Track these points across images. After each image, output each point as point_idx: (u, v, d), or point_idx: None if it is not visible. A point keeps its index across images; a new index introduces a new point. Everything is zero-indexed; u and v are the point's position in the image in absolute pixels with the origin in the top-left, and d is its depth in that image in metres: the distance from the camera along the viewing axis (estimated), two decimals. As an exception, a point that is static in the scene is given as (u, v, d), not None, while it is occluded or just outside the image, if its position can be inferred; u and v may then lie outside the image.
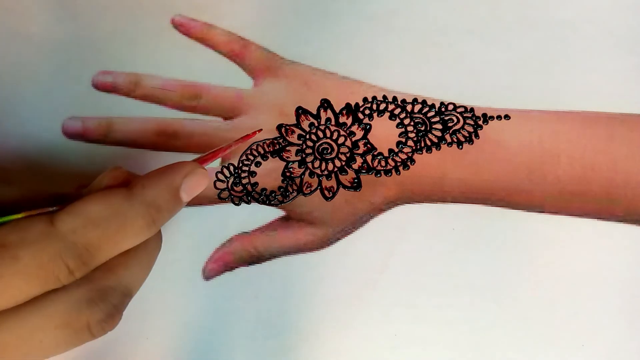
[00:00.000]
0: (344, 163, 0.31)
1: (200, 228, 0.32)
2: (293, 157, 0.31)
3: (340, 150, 0.31)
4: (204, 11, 0.31)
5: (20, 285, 0.21)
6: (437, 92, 0.32)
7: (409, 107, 0.31)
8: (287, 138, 0.31)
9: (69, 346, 0.22)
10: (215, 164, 0.31)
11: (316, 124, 0.31)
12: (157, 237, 0.25)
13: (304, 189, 0.31)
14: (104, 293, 0.23)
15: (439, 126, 0.31)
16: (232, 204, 0.31)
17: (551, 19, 0.32)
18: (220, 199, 0.31)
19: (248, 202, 0.31)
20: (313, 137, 0.31)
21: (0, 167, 0.29)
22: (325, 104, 0.31)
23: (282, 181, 0.31)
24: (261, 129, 0.30)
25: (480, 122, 0.31)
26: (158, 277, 0.31)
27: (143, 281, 0.25)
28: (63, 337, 0.22)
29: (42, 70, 0.31)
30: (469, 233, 0.32)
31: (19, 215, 0.22)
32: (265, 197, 0.31)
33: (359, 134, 0.31)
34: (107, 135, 0.31)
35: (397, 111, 0.31)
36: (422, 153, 0.31)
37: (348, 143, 0.31)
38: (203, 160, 0.27)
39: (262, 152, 0.31)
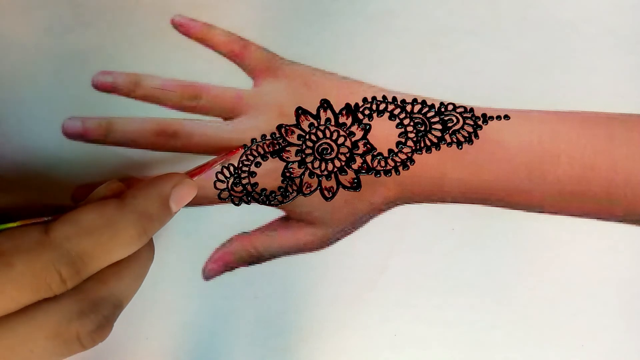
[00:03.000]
0: (343, 163, 0.31)
1: (200, 228, 0.32)
2: (293, 158, 0.31)
3: (340, 151, 0.31)
4: (204, 11, 0.31)
5: (13, 294, 0.21)
6: (436, 92, 0.32)
7: (408, 107, 0.31)
8: (287, 138, 0.31)
9: (59, 357, 0.22)
10: (215, 164, 0.31)
11: (316, 124, 0.31)
12: (150, 249, 0.26)
13: (303, 189, 0.31)
14: (95, 304, 0.23)
15: (439, 126, 0.31)
16: (232, 204, 0.31)
17: (551, 19, 0.32)
18: (220, 199, 0.31)
19: (248, 202, 0.31)
20: (313, 137, 0.31)
21: None
22: (325, 104, 0.31)
23: (282, 181, 0.31)
24: (245, 145, 0.31)
25: (480, 122, 0.31)
26: (158, 277, 0.31)
27: (135, 292, 0.26)
28: (53, 347, 0.22)
29: (42, 70, 0.31)
30: (469, 233, 0.32)
31: (14, 224, 0.23)
32: (265, 198, 0.31)
33: (359, 134, 0.31)
34: (107, 136, 0.31)
35: (396, 111, 0.31)
36: (421, 153, 0.31)
37: (348, 143, 0.31)
38: (191, 174, 0.28)
39: (262, 152, 0.31)
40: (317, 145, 0.31)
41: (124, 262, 0.24)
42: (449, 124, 0.31)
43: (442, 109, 0.31)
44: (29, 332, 0.21)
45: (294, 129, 0.31)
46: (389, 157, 0.31)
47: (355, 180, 0.31)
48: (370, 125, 0.31)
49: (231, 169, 0.31)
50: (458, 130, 0.31)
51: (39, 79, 0.31)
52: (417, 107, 0.31)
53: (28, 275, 0.21)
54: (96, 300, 0.23)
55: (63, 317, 0.22)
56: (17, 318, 0.21)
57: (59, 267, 0.22)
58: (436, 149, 0.31)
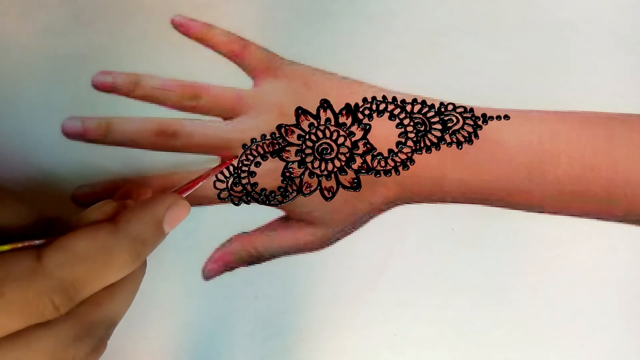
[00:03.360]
0: (343, 163, 0.31)
1: (200, 228, 0.32)
2: (293, 157, 0.31)
3: (340, 151, 0.31)
4: (204, 11, 0.31)
5: (2, 321, 0.21)
6: (436, 92, 0.32)
7: (408, 107, 0.31)
8: (287, 138, 0.31)
9: None
10: (215, 163, 0.31)
11: (316, 124, 0.31)
12: (142, 265, 0.26)
13: (303, 189, 0.31)
14: (90, 328, 0.23)
15: (439, 126, 0.31)
16: (232, 204, 0.31)
17: (551, 19, 0.32)
18: (220, 199, 0.31)
19: (248, 202, 0.31)
20: (313, 137, 0.31)
21: None
22: (325, 104, 0.31)
23: (282, 181, 0.31)
24: (237, 156, 0.31)
25: (480, 122, 0.31)
26: (158, 277, 0.31)
27: (128, 308, 0.26)
28: None
29: (42, 70, 0.31)
30: (469, 233, 0.32)
31: (5, 248, 0.22)
32: (265, 197, 0.31)
33: (359, 134, 0.31)
34: (106, 135, 0.31)
35: (396, 111, 0.31)
36: (421, 153, 0.31)
37: (348, 143, 0.31)
38: (183, 190, 0.27)
39: (261, 152, 0.31)
40: (317, 145, 0.31)
41: (117, 283, 0.24)
42: (449, 124, 0.31)
43: (442, 109, 0.31)
44: (24, 358, 0.21)
45: (294, 128, 0.31)
46: (389, 157, 0.31)
47: (355, 180, 0.31)
48: (370, 125, 0.31)
49: (231, 168, 0.31)
50: (458, 130, 0.31)
51: (39, 79, 0.31)
52: (417, 107, 0.31)
53: (19, 303, 0.21)
54: (91, 323, 0.23)
55: (59, 343, 0.22)
56: (10, 344, 0.21)
57: (52, 295, 0.21)
58: (436, 149, 0.31)
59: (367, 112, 0.31)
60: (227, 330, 0.32)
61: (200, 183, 0.28)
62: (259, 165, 0.31)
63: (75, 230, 0.23)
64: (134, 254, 0.23)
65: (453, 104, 0.31)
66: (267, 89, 0.31)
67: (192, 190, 0.28)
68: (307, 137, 0.31)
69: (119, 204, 0.25)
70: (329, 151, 0.31)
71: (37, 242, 0.23)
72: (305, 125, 0.31)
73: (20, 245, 0.22)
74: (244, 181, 0.31)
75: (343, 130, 0.31)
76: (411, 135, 0.31)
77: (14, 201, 0.25)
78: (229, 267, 0.32)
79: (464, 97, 0.32)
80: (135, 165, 0.31)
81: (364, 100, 0.31)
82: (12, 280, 0.21)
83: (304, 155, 0.31)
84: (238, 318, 0.32)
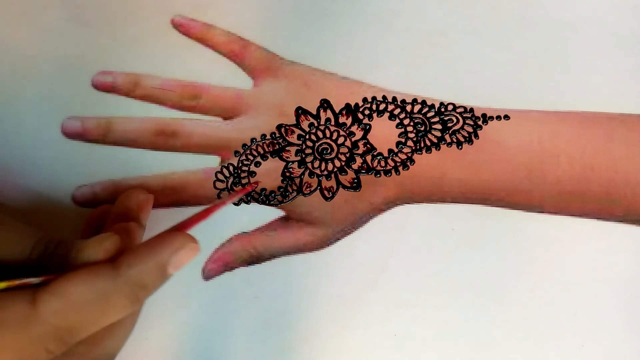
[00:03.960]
0: (343, 163, 0.31)
1: (200, 228, 0.32)
2: (293, 157, 0.31)
3: (340, 151, 0.31)
4: (204, 11, 0.31)
5: None
6: (436, 92, 0.32)
7: (408, 108, 0.31)
8: (287, 138, 0.31)
9: None
10: (215, 163, 0.31)
11: (316, 124, 0.31)
12: None
13: (303, 189, 0.31)
14: None
15: (439, 126, 0.31)
16: (232, 204, 0.31)
17: (551, 19, 0.32)
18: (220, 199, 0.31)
19: (248, 202, 0.31)
20: (313, 137, 0.31)
21: None
22: (325, 104, 0.31)
23: (282, 181, 0.31)
24: (259, 181, 0.30)
25: (480, 122, 0.31)
26: (158, 277, 0.31)
27: (126, 340, 0.25)
28: None
29: (42, 70, 0.31)
30: (469, 233, 0.32)
31: (1, 285, 0.21)
32: (265, 197, 0.31)
33: (359, 134, 0.31)
34: (106, 135, 0.31)
35: (396, 111, 0.31)
36: (421, 153, 0.31)
37: (348, 143, 0.31)
38: (189, 222, 0.26)
39: (261, 152, 0.31)
40: (317, 145, 0.31)
41: (115, 322, 0.23)
42: (449, 124, 0.31)
43: (442, 109, 0.31)
44: None
45: (294, 128, 0.31)
46: (389, 157, 0.31)
47: (355, 180, 0.31)
48: (370, 125, 0.31)
49: (231, 168, 0.31)
50: (458, 130, 0.31)
51: (39, 79, 0.31)
52: (417, 107, 0.31)
53: (12, 350, 0.20)
54: None
55: None
56: None
57: (46, 342, 0.21)
58: (436, 149, 0.31)
59: (367, 112, 0.31)
60: (227, 330, 0.32)
61: (215, 211, 0.27)
62: (259, 165, 0.31)
63: (73, 273, 0.22)
64: (133, 299, 0.22)
65: (453, 104, 0.31)
66: (267, 89, 0.31)
67: (205, 219, 0.27)
68: (307, 137, 0.31)
69: (121, 238, 0.24)
70: (329, 151, 0.31)
71: (34, 280, 0.22)
72: (305, 125, 0.31)
73: (17, 282, 0.21)
74: (244, 181, 0.31)
75: (343, 130, 0.31)
76: (411, 135, 0.31)
77: (13, 225, 0.24)
78: (229, 267, 0.32)
79: (464, 97, 0.32)
80: (135, 165, 0.31)
81: (364, 100, 0.31)
82: (5, 326, 0.20)
83: (304, 155, 0.31)
84: (238, 318, 0.32)
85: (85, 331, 0.22)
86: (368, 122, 0.31)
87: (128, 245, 0.25)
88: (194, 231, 0.32)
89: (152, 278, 0.23)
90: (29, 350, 0.21)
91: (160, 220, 0.31)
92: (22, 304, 0.21)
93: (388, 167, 0.31)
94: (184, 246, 0.24)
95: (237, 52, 0.31)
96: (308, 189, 0.31)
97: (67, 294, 0.21)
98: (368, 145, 0.31)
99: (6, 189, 0.31)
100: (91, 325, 0.22)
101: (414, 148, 0.31)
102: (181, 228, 0.26)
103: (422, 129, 0.31)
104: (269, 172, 0.31)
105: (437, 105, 0.31)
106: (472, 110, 0.31)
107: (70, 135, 0.31)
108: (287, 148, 0.31)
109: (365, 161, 0.31)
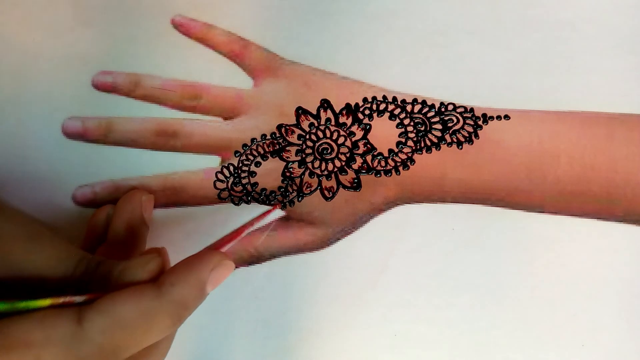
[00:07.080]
0: (343, 163, 0.31)
1: (200, 228, 0.32)
2: (293, 157, 0.31)
3: (340, 151, 0.31)
4: (204, 11, 0.31)
5: None
6: (437, 92, 0.32)
7: (408, 107, 0.31)
8: (287, 138, 0.31)
9: None
10: (215, 163, 0.31)
11: (316, 124, 0.31)
12: None
13: (303, 189, 0.31)
14: None
15: (439, 126, 0.31)
16: (232, 204, 0.31)
17: (551, 19, 0.32)
18: (220, 199, 0.31)
19: (248, 202, 0.31)
20: (313, 137, 0.31)
21: (29, 221, 0.26)
22: (325, 104, 0.31)
23: (282, 181, 0.31)
24: (279, 204, 0.31)
25: (480, 122, 0.31)
26: (158, 277, 0.31)
27: None
28: None
29: (42, 70, 0.31)
30: (469, 233, 0.32)
31: (46, 303, 0.21)
32: (265, 197, 0.31)
33: (359, 134, 0.31)
34: (107, 135, 0.31)
35: (397, 111, 0.31)
36: (422, 153, 0.31)
37: (348, 143, 0.31)
38: (224, 242, 0.27)
39: (262, 152, 0.31)
40: (317, 145, 0.31)
41: (155, 342, 0.23)
42: (449, 124, 0.31)
43: (442, 109, 0.31)
44: None
45: (294, 128, 0.31)
46: (389, 157, 0.31)
47: (356, 180, 0.31)
48: (370, 125, 0.31)
49: (231, 168, 0.31)
50: (458, 130, 0.31)
51: (39, 79, 0.31)
52: (417, 107, 0.31)
53: None
54: None
55: None
56: None
57: None
58: (436, 149, 0.31)
59: (367, 112, 0.31)
60: (227, 330, 0.32)
61: (246, 232, 0.28)
62: (259, 165, 0.31)
63: (119, 292, 0.22)
64: (175, 318, 0.23)
65: (453, 104, 0.32)
66: (267, 89, 0.31)
67: (237, 240, 0.27)
68: (307, 137, 0.31)
69: (163, 261, 0.24)
70: (329, 151, 0.31)
71: (77, 298, 0.22)
72: (305, 125, 0.31)
73: (61, 300, 0.22)
74: (244, 181, 0.31)
75: (343, 130, 0.31)
76: (411, 135, 0.31)
77: (55, 244, 0.24)
78: (229, 267, 0.32)
79: (464, 97, 0.32)
80: (135, 165, 0.31)
81: (364, 100, 0.31)
82: (52, 344, 0.20)
83: (304, 155, 0.31)
84: (238, 318, 0.32)
85: (129, 351, 0.22)
86: (368, 122, 0.31)
87: (166, 266, 0.25)
88: (194, 232, 0.32)
89: (193, 296, 0.23)
90: None
91: (160, 220, 0.31)
92: (69, 322, 0.21)
93: (388, 167, 0.31)
94: (220, 264, 0.24)
95: (237, 52, 0.31)
96: (308, 189, 0.31)
97: (114, 312, 0.21)
98: (368, 145, 0.31)
99: (6, 189, 0.31)
100: (135, 344, 0.22)
101: (414, 148, 0.31)
102: (216, 247, 0.26)
103: (423, 128, 0.31)
104: (269, 172, 0.31)
105: (437, 105, 0.31)
106: (472, 110, 0.31)
107: (71, 135, 0.31)
108: (287, 148, 0.31)
109: (365, 161, 0.31)
